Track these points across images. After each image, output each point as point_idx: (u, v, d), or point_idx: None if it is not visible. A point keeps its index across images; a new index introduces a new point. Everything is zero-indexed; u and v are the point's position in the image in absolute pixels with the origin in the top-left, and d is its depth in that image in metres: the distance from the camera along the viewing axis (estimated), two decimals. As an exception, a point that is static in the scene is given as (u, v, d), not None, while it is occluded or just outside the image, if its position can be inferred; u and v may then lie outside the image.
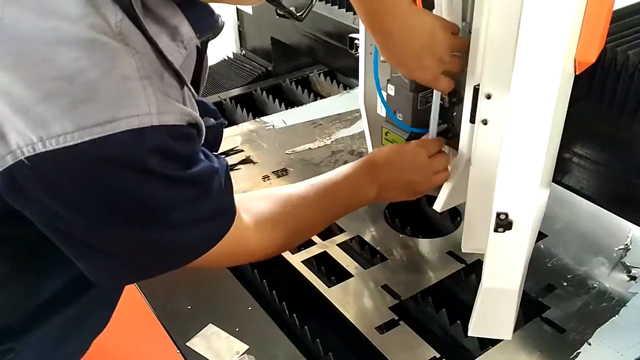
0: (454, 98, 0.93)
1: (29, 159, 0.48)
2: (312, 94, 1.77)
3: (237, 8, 1.92)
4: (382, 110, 1.05)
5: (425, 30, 0.82)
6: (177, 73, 0.55)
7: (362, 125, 1.12)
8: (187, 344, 0.91)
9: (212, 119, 0.67)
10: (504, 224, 0.74)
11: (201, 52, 0.65)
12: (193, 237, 0.62)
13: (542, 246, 1.08)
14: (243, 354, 0.90)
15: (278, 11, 0.66)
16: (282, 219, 0.79)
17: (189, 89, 0.58)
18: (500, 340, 0.89)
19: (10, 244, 0.61)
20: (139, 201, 0.54)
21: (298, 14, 0.66)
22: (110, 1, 0.50)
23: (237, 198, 0.69)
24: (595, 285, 1.00)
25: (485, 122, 0.84)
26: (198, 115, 0.58)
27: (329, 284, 1.02)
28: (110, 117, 0.49)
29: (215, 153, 0.65)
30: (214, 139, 0.66)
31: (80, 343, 0.75)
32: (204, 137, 0.61)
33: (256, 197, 0.83)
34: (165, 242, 0.60)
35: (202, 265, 0.67)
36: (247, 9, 1.87)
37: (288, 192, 0.83)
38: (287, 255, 1.08)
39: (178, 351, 0.91)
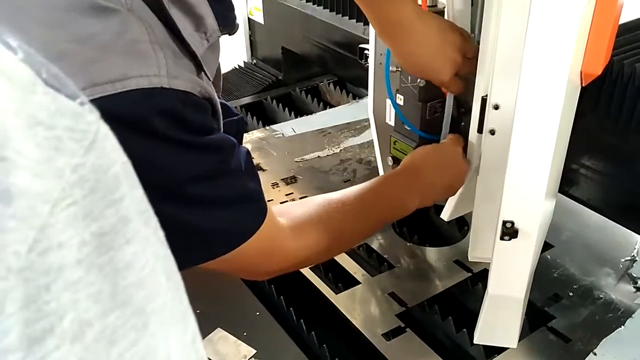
0: (462, 108, 0.94)
1: None
2: (321, 103, 1.78)
3: (248, 18, 1.94)
4: (390, 120, 1.06)
5: (437, 32, 0.83)
6: (194, 58, 0.56)
7: (371, 134, 1.14)
8: (195, 347, 0.92)
9: (233, 117, 0.68)
10: (510, 232, 0.75)
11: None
12: (220, 222, 0.60)
13: (548, 256, 1.09)
14: (250, 358, 0.91)
15: None
16: (320, 222, 0.76)
17: (207, 76, 0.58)
18: (505, 349, 0.90)
19: None
20: (150, 165, 0.52)
21: None
22: None
23: (274, 207, 0.68)
24: (601, 296, 1.00)
25: (492, 132, 0.85)
26: (214, 93, 0.58)
27: (337, 290, 1.03)
28: (121, 75, 0.49)
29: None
30: (236, 133, 0.65)
31: None
32: (223, 130, 0.60)
33: (295, 203, 0.82)
34: (188, 222, 0.58)
35: (240, 269, 0.66)
36: (259, 18, 1.89)
37: (326, 199, 0.80)
38: (295, 261, 1.09)
39: (186, 354, 0.92)
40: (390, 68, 1.01)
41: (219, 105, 0.60)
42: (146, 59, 0.51)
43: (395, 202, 0.86)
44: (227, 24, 0.62)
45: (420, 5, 0.88)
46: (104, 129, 0.23)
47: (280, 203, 1.21)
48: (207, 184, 0.58)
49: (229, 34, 0.65)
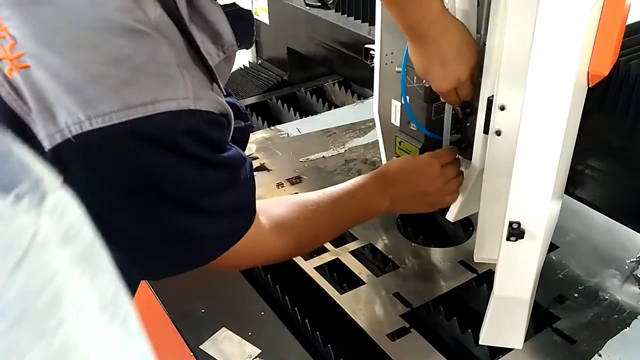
0: (468, 109, 0.94)
1: (75, 137, 0.51)
2: (326, 103, 1.78)
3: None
4: (396, 120, 1.06)
5: (456, 39, 0.84)
6: (209, 69, 0.58)
7: (376, 134, 1.14)
8: (200, 347, 0.93)
9: (242, 122, 0.70)
10: (516, 233, 0.75)
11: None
12: (219, 229, 0.64)
13: (553, 257, 1.09)
14: (255, 357, 0.91)
15: (307, 1, 0.69)
16: (297, 224, 0.81)
17: (219, 86, 0.61)
18: (510, 350, 0.89)
19: None
20: (173, 180, 0.57)
21: (329, 3, 0.71)
22: None
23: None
24: (606, 297, 1.00)
25: (498, 133, 0.85)
26: (229, 108, 0.61)
27: (341, 290, 1.03)
28: (152, 98, 0.52)
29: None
30: (242, 140, 0.69)
31: None
32: (232, 136, 0.63)
33: (273, 202, 0.85)
34: (194, 231, 0.62)
35: (220, 265, 0.69)
36: (264, 18, 1.90)
37: (304, 199, 0.86)
38: (299, 261, 1.09)
39: (191, 354, 0.92)
40: (396, 68, 1.01)
41: (233, 118, 0.63)
42: (175, 82, 0.54)
43: (365, 207, 0.92)
44: (245, 40, 0.65)
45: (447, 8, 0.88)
46: (45, 229, 0.18)
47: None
48: (215, 196, 0.62)
49: (246, 48, 0.68)
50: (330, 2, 0.71)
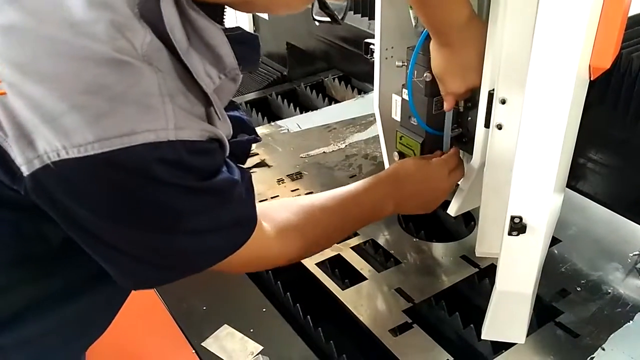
0: (469, 103, 0.93)
1: (54, 164, 0.51)
2: (326, 98, 1.78)
3: (253, 14, 1.94)
4: (396, 115, 1.06)
5: (481, 45, 0.84)
6: (204, 94, 0.57)
7: (376, 129, 1.13)
8: (202, 344, 0.93)
9: (246, 135, 0.69)
10: (518, 227, 0.74)
11: None
12: (212, 243, 0.64)
13: (556, 251, 1.08)
14: (257, 354, 0.91)
15: (316, 17, 0.68)
16: (303, 228, 0.81)
17: (215, 109, 0.59)
18: (513, 344, 0.89)
19: (22, 233, 0.62)
20: (153, 207, 0.57)
21: (339, 18, 0.70)
22: (140, 24, 0.53)
23: (259, 207, 0.70)
24: (609, 291, 1.00)
25: (499, 127, 0.84)
26: (223, 132, 0.60)
27: (343, 286, 1.03)
28: (129, 130, 0.51)
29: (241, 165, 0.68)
30: (242, 153, 0.69)
31: (76, 347, 0.75)
32: (229, 151, 0.62)
33: (278, 206, 0.85)
34: (185, 247, 0.61)
35: (223, 270, 0.69)
36: (264, 14, 1.89)
37: (309, 202, 0.85)
38: (301, 257, 1.09)
39: (193, 351, 0.92)
40: (396, 63, 1.00)
41: (227, 144, 0.62)
42: (155, 113, 0.53)
43: (372, 209, 0.91)
44: (249, 64, 0.64)
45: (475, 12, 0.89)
46: None
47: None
48: (207, 217, 0.61)
49: (251, 72, 0.66)
50: (340, 17, 0.69)
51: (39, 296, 0.66)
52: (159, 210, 0.57)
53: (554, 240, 1.08)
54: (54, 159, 0.51)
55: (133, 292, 0.75)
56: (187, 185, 0.57)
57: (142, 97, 0.52)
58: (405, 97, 1.00)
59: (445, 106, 0.93)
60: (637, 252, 1.07)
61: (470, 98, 0.93)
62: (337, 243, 1.11)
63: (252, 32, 0.67)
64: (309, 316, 0.96)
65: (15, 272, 0.64)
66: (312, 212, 0.83)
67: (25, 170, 0.52)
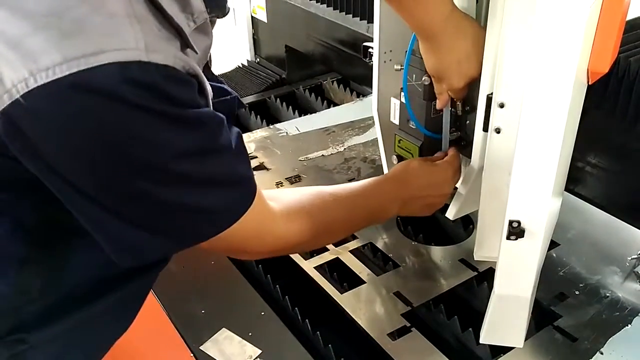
0: (467, 106, 0.94)
1: (24, 97, 0.49)
2: (325, 101, 1.78)
3: (252, 16, 1.94)
4: (395, 118, 1.06)
5: (470, 37, 0.84)
6: (178, 31, 0.55)
7: (375, 132, 1.13)
8: (200, 347, 0.92)
9: (227, 97, 0.67)
10: (516, 231, 0.74)
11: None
12: (206, 202, 0.60)
13: (554, 255, 1.08)
14: (256, 358, 0.91)
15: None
16: (311, 211, 0.79)
17: (194, 50, 0.57)
18: (511, 348, 0.89)
19: (29, 225, 0.61)
20: (131, 139, 0.53)
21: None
22: None
23: (265, 192, 0.69)
24: (607, 295, 1.00)
25: (498, 131, 0.84)
26: (199, 70, 0.57)
27: (341, 290, 1.03)
28: (96, 49, 0.49)
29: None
30: (228, 114, 0.64)
31: (100, 345, 0.75)
32: (212, 104, 0.60)
33: (287, 190, 0.85)
34: (174, 201, 0.58)
35: (229, 249, 0.67)
36: (262, 17, 1.89)
37: (319, 189, 0.84)
38: (299, 261, 1.09)
39: (192, 355, 0.92)
40: (395, 66, 1.00)
41: (207, 83, 0.59)
42: (123, 32, 0.51)
43: (379, 207, 0.90)
44: (216, 6, 0.62)
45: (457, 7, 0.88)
46: None
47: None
48: (193, 161, 0.57)
49: (218, 17, 0.64)
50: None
51: (64, 296, 0.65)
52: (141, 143, 0.53)
53: (552, 244, 1.09)
54: (22, 91, 0.49)
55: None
56: (164, 111, 0.53)
57: (107, 17, 0.50)
58: (403, 100, 1.00)
59: (438, 104, 0.93)
60: (635, 256, 1.08)
61: (469, 101, 0.93)
62: (332, 244, 1.11)
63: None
64: (307, 320, 0.96)
65: (31, 270, 0.63)
66: (323, 198, 0.82)
67: None
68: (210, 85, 0.61)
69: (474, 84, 0.88)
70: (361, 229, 1.00)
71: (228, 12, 0.66)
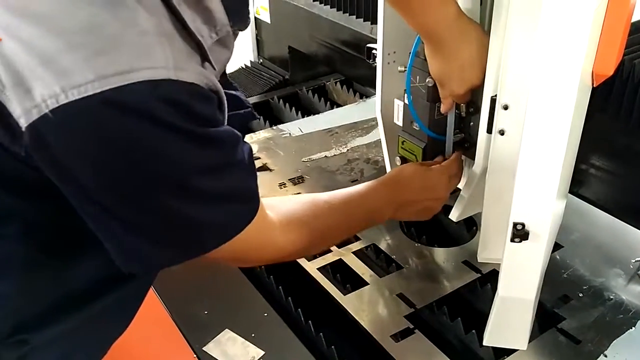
0: (471, 108, 0.93)
1: (53, 112, 0.49)
2: (328, 102, 1.78)
3: (255, 17, 1.94)
4: (398, 119, 1.06)
5: (474, 43, 0.84)
6: (199, 46, 0.56)
7: (378, 133, 1.13)
8: (203, 348, 0.92)
9: (241, 111, 0.68)
10: (520, 234, 0.74)
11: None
12: (219, 215, 0.62)
13: (558, 257, 1.08)
14: (259, 359, 0.91)
15: None
16: (308, 220, 0.80)
17: (212, 66, 0.58)
18: (515, 350, 0.89)
19: (37, 228, 0.61)
20: (158, 156, 0.54)
21: None
22: None
23: (263, 200, 0.69)
24: (611, 297, 0.99)
25: (502, 133, 0.84)
26: (220, 86, 0.58)
27: (345, 291, 1.03)
28: (128, 67, 0.50)
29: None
30: (241, 126, 0.65)
31: (101, 345, 0.75)
32: (229, 122, 0.61)
33: (283, 199, 0.85)
34: (191, 216, 0.60)
35: (229, 260, 0.68)
36: (266, 17, 1.89)
37: (314, 197, 0.85)
38: (302, 262, 1.09)
39: (195, 356, 0.92)
40: (399, 68, 1.00)
41: (225, 98, 0.60)
42: (153, 51, 0.52)
43: (373, 210, 0.91)
44: (239, 20, 0.62)
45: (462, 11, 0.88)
46: None
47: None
48: (211, 177, 0.59)
49: (240, 30, 0.65)
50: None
51: (64, 296, 0.66)
52: (163, 159, 0.55)
53: (556, 246, 1.08)
54: (52, 106, 0.49)
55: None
56: (192, 131, 0.55)
57: (139, 36, 0.51)
58: (407, 101, 0.99)
59: (442, 108, 0.93)
60: (639, 258, 1.07)
61: (473, 103, 0.93)
62: (335, 245, 1.11)
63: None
64: (310, 321, 0.96)
65: (35, 272, 0.63)
66: (318, 206, 0.83)
67: (23, 123, 0.50)
68: (226, 93, 0.62)
69: (477, 88, 0.88)
70: (357, 232, 1.01)
71: (249, 24, 0.67)
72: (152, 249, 0.61)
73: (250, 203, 0.66)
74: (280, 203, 0.80)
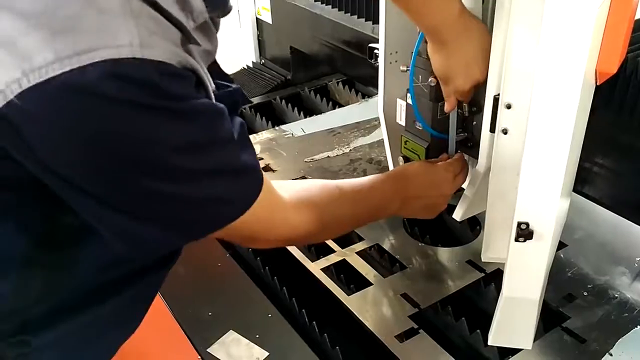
0: (474, 107, 0.93)
1: (18, 98, 0.48)
2: (330, 102, 1.78)
3: (256, 18, 1.94)
4: (401, 119, 1.05)
5: (477, 39, 0.84)
6: (179, 28, 0.54)
7: (381, 133, 1.13)
8: (207, 350, 0.92)
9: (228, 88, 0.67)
10: (524, 233, 0.74)
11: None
12: (215, 192, 0.60)
13: (562, 256, 1.08)
14: (263, 360, 0.91)
15: None
16: (319, 202, 0.79)
17: (197, 43, 0.56)
18: (520, 350, 0.89)
19: (32, 226, 0.60)
20: (129, 137, 0.52)
21: None
22: None
23: (275, 182, 0.70)
24: (616, 296, 0.99)
25: (505, 132, 0.84)
26: (198, 65, 0.56)
27: (349, 292, 1.03)
28: (87, 47, 0.49)
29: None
30: (232, 106, 0.63)
31: (107, 348, 0.74)
32: (213, 96, 0.59)
33: (294, 181, 0.85)
34: (184, 195, 0.57)
35: (242, 236, 0.67)
36: (267, 18, 1.89)
37: (326, 182, 0.85)
38: (306, 262, 1.09)
39: (199, 357, 0.92)
40: (401, 67, 1.00)
41: (206, 77, 0.58)
42: (116, 30, 0.50)
43: (379, 203, 0.91)
44: (217, 6, 0.61)
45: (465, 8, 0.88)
46: None
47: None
48: (194, 153, 0.56)
49: (219, 17, 0.63)
50: None
51: (66, 297, 0.65)
52: (132, 139, 0.52)
53: (560, 245, 1.08)
54: (16, 92, 0.48)
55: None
56: (159, 106, 0.52)
57: (99, 15, 0.49)
58: (410, 101, 0.99)
59: (446, 106, 0.93)
60: (643, 256, 1.07)
61: (476, 102, 0.93)
62: (344, 244, 1.11)
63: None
64: (314, 322, 0.96)
65: (32, 270, 0.63)
66: (329, 190, 0.83)
67: None
68: (218, 82, 0.61)
69: (480, 85, 0.87)
70: (363, 225, 1.00)
71: (230, 10, 0.65)
72: (150, 232, 0.59)
73: (248, 177, 0.64)
74: (291, 184, 0.79)
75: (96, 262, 0.65)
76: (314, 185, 0.82)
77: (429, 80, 0.92)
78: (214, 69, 0.65)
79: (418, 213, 0.97)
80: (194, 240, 0.64)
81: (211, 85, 0.60)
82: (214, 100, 0.59)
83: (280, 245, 0.82)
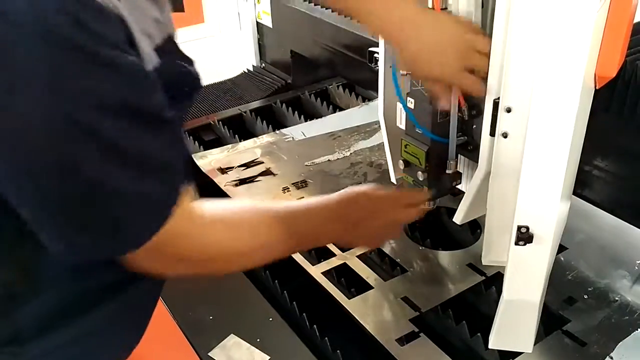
0: (474, 111, 0.93)
1: None
2: (331, 106, 1.78)
3: (257, 22, 1.95)
4: (401, 123, 1.06)
5: (439, 28, 0.82)
6: None
7: (381, 137, 1.13)
8: (209, 354, 0.93)
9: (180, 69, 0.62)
10: (525, 237, 0.74)
11: None
12: (141, 187, 0.54)
13: (562, 259, 1.08)
14: (264, 364, 0.91)
15: None
16: (240, 222, 0.72)
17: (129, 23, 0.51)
18: (520, 353, 0.89)
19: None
20: (49, 82, 0.47)
21: None
22: None
23: (208, 202, 0.65)
24: (616, 299, 0.99)
25: (505, 136, 0.84)
26: (126, 16, 0.51)
27: (349, 295, 1.03)
28: None
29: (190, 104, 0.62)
30: (176, 82, 0.58)
31: (109, 356, 0.73)
32: (150, 67, 0.54)
33: (217, 200, 0.73)
34: (93, 176, 0.51)
35: (146, 256, 0.59)
36: (267, 22, 1.90)
37: (258, 203, 0.79)
38: (307, 266, 1.09)
39: (200, 361, 0.92)
40: (401, 72, 1.00)
41: (139, 37, 0.53)
42: None
43: (319, 227, 0.84)
44: None
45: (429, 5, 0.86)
46: None
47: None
48: (119, 118, 0.50)
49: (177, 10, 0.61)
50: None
51: (63, 305, 0.64)
52: (61, 90, 0.47)
53: (561, 248, 1.08)
54: None
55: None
56: (81, 43, 0.47)
57: None
58: (410, 105, 0.99)
59: (440, 105, 0.89)
60: (644, 259, 1.07)
61: (476, 106, 0.93)
62: (339, 249, 1.11)
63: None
64: (315, 325, 0.96)
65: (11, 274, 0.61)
66: (259, 211, 0.75)
67: None
68: (175, 64, 0.57)
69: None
70: (304, 249, 0.95)
71: None
72: (64, 230, 0.55)
73: (168, 175, 0.57)
74: (214, 202, 0.70)
75: (64, 264, 0.61)
76: (243, 205, 0.76)
77: (429, 83, 0.92)
78: (173, 48, 0.60)
79: (360, 242, 0.93)
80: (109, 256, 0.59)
81: (154, 60, 0.55)
82: (148, 68, 0.54)
83: (182, 273, 0.70)
